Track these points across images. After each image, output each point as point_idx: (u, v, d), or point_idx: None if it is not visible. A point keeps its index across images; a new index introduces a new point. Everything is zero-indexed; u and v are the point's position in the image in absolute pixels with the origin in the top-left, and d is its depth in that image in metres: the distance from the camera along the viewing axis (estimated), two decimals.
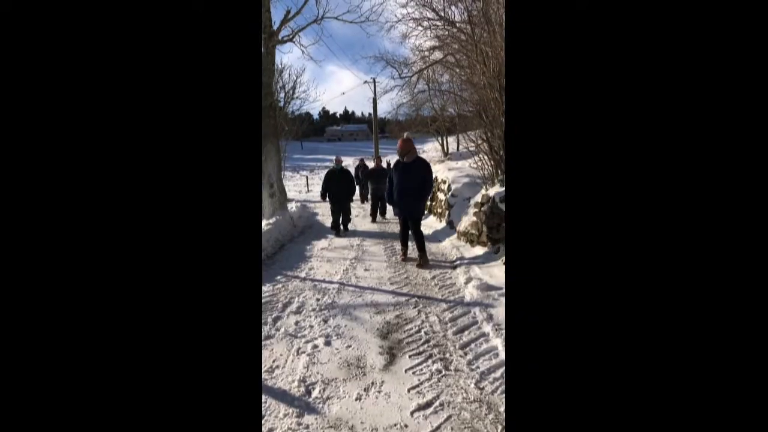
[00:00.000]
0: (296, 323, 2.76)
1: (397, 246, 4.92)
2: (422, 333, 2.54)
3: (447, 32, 8.63)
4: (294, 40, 8.58)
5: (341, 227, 6.21)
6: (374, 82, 16.47)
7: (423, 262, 4.03)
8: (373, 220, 7.49)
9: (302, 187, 14.13)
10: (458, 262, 4.10)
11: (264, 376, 2.09)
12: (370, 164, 10.61)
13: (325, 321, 2.78)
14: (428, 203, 7.10)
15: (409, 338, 2.48)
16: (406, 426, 1.68)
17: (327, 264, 4.34)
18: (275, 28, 7.77)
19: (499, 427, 1.64)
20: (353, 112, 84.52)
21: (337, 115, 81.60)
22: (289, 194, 9.74)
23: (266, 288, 3.52)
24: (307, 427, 1.69)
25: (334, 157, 6.65)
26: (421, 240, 4.09)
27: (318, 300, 3.20)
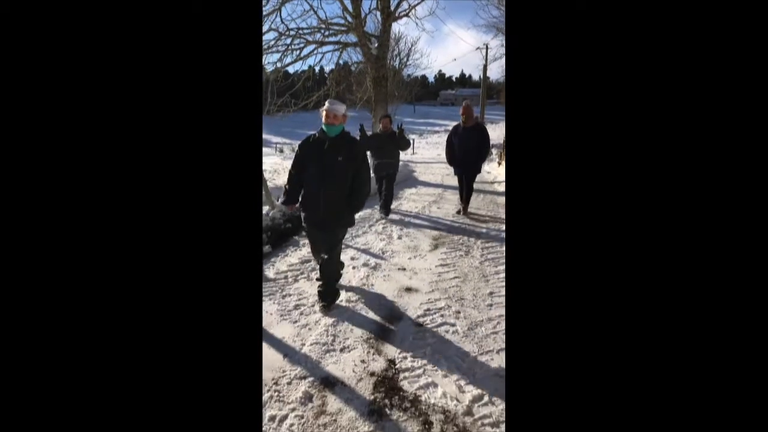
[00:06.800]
0: (383, 228, 4.35)
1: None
2: (460, 243, 3.90)
3: None
4: (410, 14, 9.85)
5: (325, 293, 2.47)
6: (486, 48, 16.77)
7: (465, 211, 5.03)
8: (386, 214, 4.80)
9: (409, 149, 15.73)
10: None
11: (361, 247, 3.72)
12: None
13: (401, 229, 4.31)
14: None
15: (451, 243, 3.88)
16: (430, 269, 3.14)
17: (411, 203, 5.86)
18: (392, 7, 9.13)
19: (478, 274, 2.99)
20: (470, 76, 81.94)
21: (453, 78, 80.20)
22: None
23: (368, 211, 5.19)
24: (380, 263, 3.27)
25: (324, 107, 2.33)
26: (470, 194, 5.05)
27: (399, 221, 4.75)
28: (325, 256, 2.44)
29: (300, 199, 2.46)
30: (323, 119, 2.34)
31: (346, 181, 2.35)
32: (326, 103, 2.35)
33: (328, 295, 2.46)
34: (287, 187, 2.51)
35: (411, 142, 5.00)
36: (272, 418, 1.55)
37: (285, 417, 1.56)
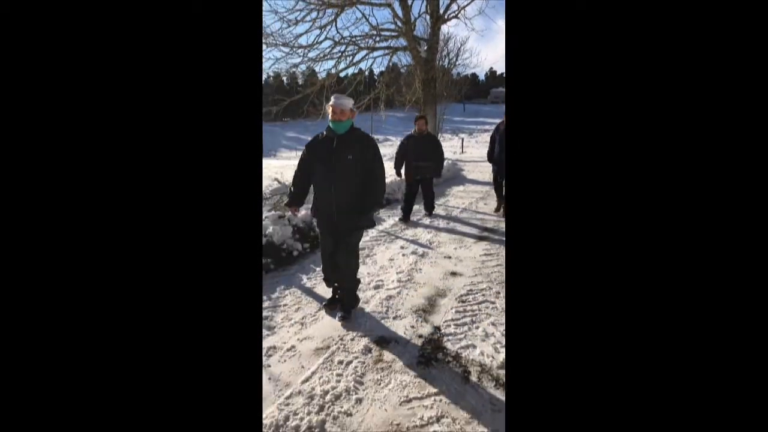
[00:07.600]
0: (430, 222, 4.67)
1: None
2: (502, 236, 4.12)
3: None
4: (459, 15, 10.05)
5: (337, 304, 2.45)
6: None
7: (500, 210, 5.13)
8: (405, 219, 4.65)
9: (457, 148, 15.82)
10: None
11: (409, 237, 4.06)
12: None
13: (448, 223, 4.61)
14: None
15: (496, 235, 4.11)
16: (474, 257, 3.42)
17: (458, 199, 6.11)
18: (441, 11, 9.38)
19: None
20: None
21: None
22: (445, 154, 11.34)
23: (415, 207, 5.53)
24: (427, 252, 3.59)
25: (330, 103, 2.15)
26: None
27: (446, 215, 5.04)
28: (341, 275, 2.33)
29: (312, 203, 2.34)
30: (329, 116, 2.16)
31: (359, 181, 2.16)
32: (332, 99, 2.15)
33: (349, 302, 2.39)
34: (291, 188, 2.39)
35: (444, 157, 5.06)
36: (340, 362, 1.94)
37: (350, 361, 1.95)
